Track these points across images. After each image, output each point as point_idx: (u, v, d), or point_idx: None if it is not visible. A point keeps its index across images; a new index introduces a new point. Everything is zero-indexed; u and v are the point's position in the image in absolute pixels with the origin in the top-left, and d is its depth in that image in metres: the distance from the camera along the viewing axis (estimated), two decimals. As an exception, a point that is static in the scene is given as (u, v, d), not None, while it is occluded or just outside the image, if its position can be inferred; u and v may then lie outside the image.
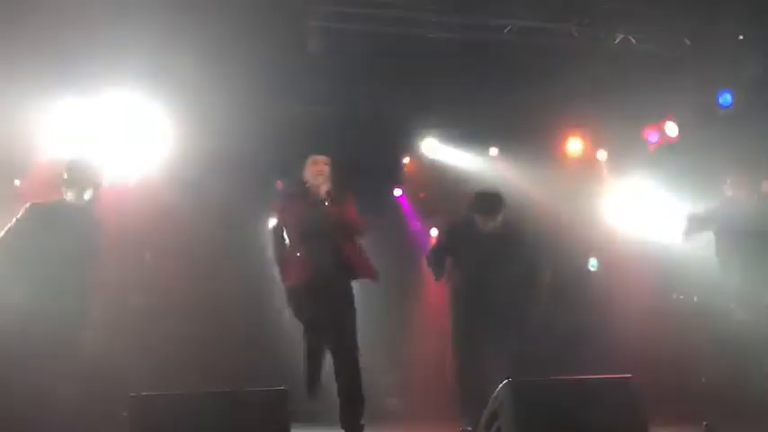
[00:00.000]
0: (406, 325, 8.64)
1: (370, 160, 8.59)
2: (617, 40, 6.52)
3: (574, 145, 8.19)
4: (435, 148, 8.25)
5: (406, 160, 8.72)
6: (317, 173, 4.26)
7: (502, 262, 4.81)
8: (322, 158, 4.33)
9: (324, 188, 4.21)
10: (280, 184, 5.92)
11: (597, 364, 7.31)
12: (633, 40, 6.52)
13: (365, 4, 6.01)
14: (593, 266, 4.34)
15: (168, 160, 7.24)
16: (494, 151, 8.32)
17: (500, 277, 4.75)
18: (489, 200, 5.05)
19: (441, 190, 8.70)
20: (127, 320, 7.25)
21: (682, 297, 7.36)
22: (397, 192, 9.22)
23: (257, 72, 6.59)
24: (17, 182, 6.47)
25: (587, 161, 8.29)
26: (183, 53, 5.99)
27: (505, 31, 6.33)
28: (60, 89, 6.19)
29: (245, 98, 7.01)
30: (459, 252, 4.93)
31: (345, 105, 7.68)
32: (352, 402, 4.05)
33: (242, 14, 5.89)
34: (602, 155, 8.25)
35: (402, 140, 8.44)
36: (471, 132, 8.17)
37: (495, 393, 3.39)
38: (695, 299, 7.22)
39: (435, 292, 8.37)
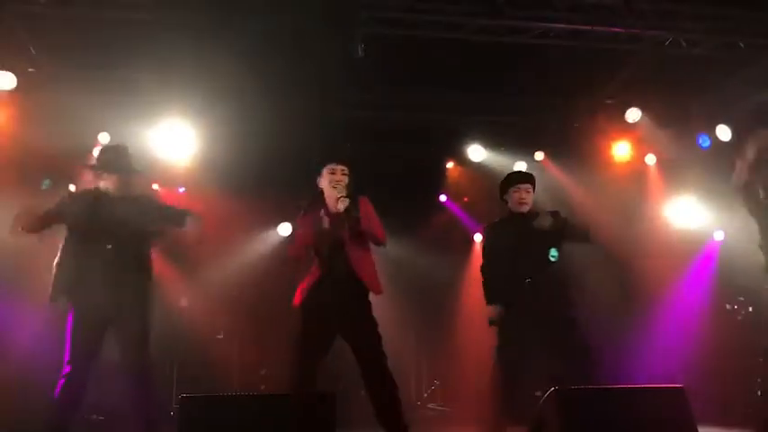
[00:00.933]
0: (451, 328, 8.64)
1: (414, 166, 8.62)
2: (667, 42, 6.38)
3: (622, 148, 8.05)
4: (480, 153, 8.19)
5: (450, 165, 8.69)
6: (335, 182, 4.06)
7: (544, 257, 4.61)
8: (339, 167, 4.11)
9: (342, 200, 3.98)
10: None
11: (645, 373, 7.22)
12: (683, 43, 6.38)
13: (408, 9, 6.01)
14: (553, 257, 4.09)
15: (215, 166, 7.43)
16: (540, 155, 8.24)
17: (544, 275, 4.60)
18: (518, 172, 4.93)
19: (486, 194, 8.66)
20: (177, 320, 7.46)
21: (735, 307, 7.15)
22: (443, 197, 9.22)
23: (301, 78, 6.65)
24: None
25: (635, 165, 8.15)
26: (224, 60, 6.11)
27: (551, 34, 6.25)
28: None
29: (288, 102, 7.08)
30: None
31: (388, 111, 7.71)
32: (390, 406, 3.92)
33: (287, 22, 5.94)
34: (651, 159, 8.10)
35: (446, 145, 8.42)
36: (516, 136, 8.11)
37: (542, 401, 3.36)
38: (750, 309, 7.02)
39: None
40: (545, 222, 4.41)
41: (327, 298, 3.93)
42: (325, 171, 4.10)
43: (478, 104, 7.62)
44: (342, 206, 3.90)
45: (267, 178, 8.00)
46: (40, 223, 4.23)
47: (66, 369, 4.01)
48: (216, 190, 8.11)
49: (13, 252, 6.21)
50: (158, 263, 8.22)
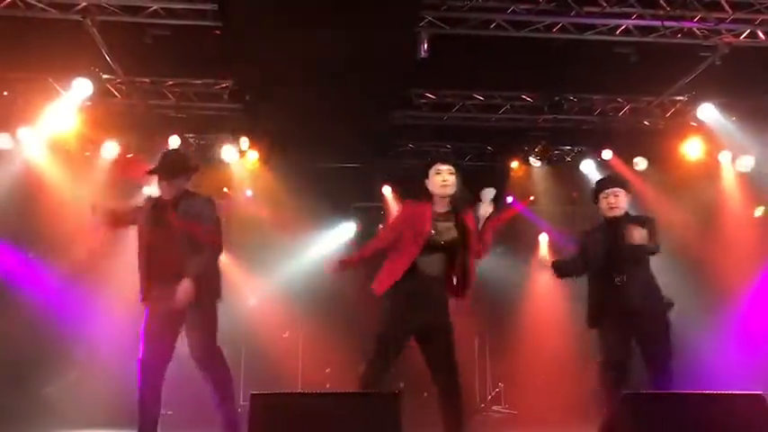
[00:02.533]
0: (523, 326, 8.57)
1: (478, 164, 8.58)
2: (742, 36, 6.16)
3: (693, 146, 7.79)
4: (548, 152, 8.07)
5: (515, 164, 8.58)
6: (443, 183, 4.05)
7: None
8: (446, 167, 4.09)
9: (447, 203, 4.03)
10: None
11: (722, 377, 6.98)
12: (762, 35, 6.13)
13: (473, 8, 5.98)
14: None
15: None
16: (607, 154, 8.06)
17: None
18: (606, 177, 4.87)
19: (552, 195, 8.55)
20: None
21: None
22: (509, 198, 9.11)
23: (364, 79, 6.69)
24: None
25: (708, 163, 7.88)
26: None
27: (617, 31, 6.11)
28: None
29: (351, 103, 7.13)
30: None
31: (452, 110, 7.68)
32: (458, 419, 3.96)
33: (348, 23, 5.98)
34: (724, 156, 7.82)
35: (511, 145, 8.34)
36: (584, 135, 7.96)
37: (615, 404, 3.29)
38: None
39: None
40: (635, 236, 4.35)
41: (414, 298, 3.97)
42: (431, 172, 4.11)
43: (544, 103, 7.49)
44: (448, 201, 3.99)
45: (332, 179, 8.11)
46: (112, 219, 4.31)
47: (140, 364, 4.14)
48: (282, 191, 8.27)
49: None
50: (228, 262, 8.51)
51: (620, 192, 4.66)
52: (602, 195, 4.67)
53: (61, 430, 5.66)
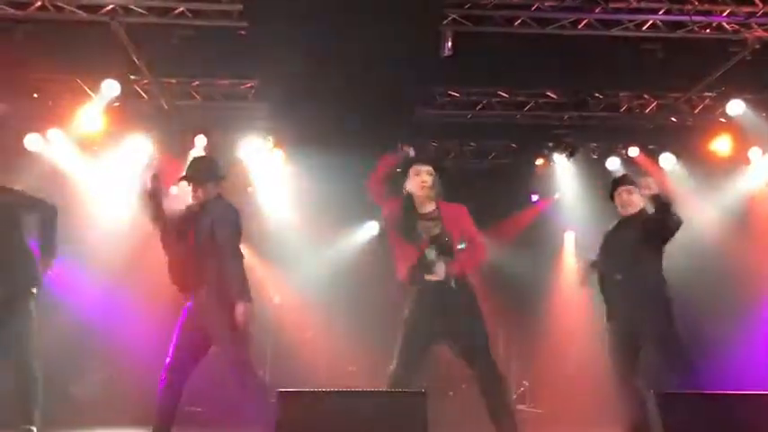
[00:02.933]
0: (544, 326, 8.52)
1: (502, 162, 8.54)
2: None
3: (722, 143, 7.66)
4: (570, 148, 8.00)
5: (539, 162, 8.53)
6: (421, 184, 4.02)
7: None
8: (425, 168, 4.05)
9: (430, 203, 4.00)
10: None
11: (750, 377, 6.88)
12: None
13: (497, 6, 5.96)
14: None
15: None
16: (634, 151, 7.97)
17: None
18: (620, 176, 4.85)
19: (577, 192, 8.48)
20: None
21: None
22: (534, 196, 9.07)
23: (388, 77, 6.70)
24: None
25: (737, 160, 7.76)
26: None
27: (644, 27, 6.05)
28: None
29: (375, 102, 7.14)
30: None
31: (476, 108, 7.65)
32: (506, 409, 3.96)
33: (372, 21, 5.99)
34: (754, 153, 7.69)
35: (536, 142, 8.29)
36: (610, 131, 7.88)
37: (643, 404, 3.26)
38: None
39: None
40: (651, 185, 4.34)
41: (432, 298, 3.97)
42: (411, 172, 4.09)
43: (570, 100, 7.44)
44: (430, 203, 3.94)
45: (356, 177, 8.10)
46: (154, 211, 4.25)
47: (168, 363, 4.20)
48: (306, 188, 8.32)
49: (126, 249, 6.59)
50: (253, 260, 8.58)
51: (634, 189, 4.62)
52: (615, 193, 4.66)
53: (89, 429, 5.74)
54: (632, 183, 4.67)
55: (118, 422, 5.78)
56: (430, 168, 4.06)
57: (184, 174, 4.33)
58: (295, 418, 3.11)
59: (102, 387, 7.08)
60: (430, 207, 4.04)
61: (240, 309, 3.97)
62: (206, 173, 4.31)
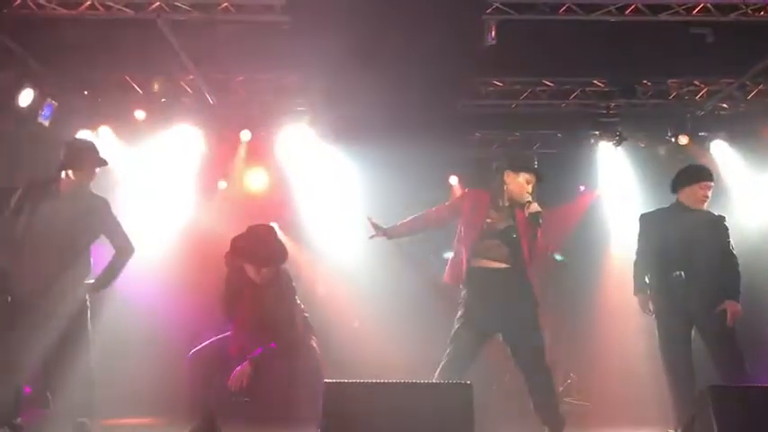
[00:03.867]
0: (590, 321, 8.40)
1: (547, 152, 8.42)
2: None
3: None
4: (617, 136, 7.85)
5: (587, 151, 8.37)
6: (526, 186, 4.17)
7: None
8: (529, 176, 4.19)
9: (532, 205, 4.11)
10: None
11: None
12: None
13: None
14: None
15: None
16: (684, 139, 7.77)
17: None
18: (700, 166, 4.74)
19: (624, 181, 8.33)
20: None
21: None
22: (581, 187, 8.92)
23: (431, 68, 6.65)
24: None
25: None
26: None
27: (694, 11, 5.87)
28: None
29: (417, 92, 7.10)
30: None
31: (521, 98, 7.56)
32: (558, 427, 3.96)
33: (417, 13, 5.95)
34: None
35: (580, 131, 8.15)
36: (659, 118, 7.70)
37: (696, 398, 3.19)
38: None
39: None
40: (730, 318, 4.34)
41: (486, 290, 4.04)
42: (511, 174, 4.20)
43: (617, 88, 7.28)
44: (533, 209, 4.03)
45: (400, 170, 8.11)
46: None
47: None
48: (351, 181, 8.35)
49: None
50: (293, 249, 8.66)
51: (712, 186, 4.55)
52: (698, 185, 4.54)
53: (115, 418, 5.86)
54: (714, 180, 4.60)
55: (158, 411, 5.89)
56: (533, 177, 4.18)
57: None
58: (341, 409, 3.14)
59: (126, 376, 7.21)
60: (507, 203, 4.19)
61: None
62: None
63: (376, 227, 4.33)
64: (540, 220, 4.01)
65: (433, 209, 4.39)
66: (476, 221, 4.10)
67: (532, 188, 4.15)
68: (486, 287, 4.03)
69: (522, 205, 4.07)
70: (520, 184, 4.13)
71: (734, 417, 3.00)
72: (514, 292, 4.03)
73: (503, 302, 4.00)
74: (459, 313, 4.09)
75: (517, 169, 4.17)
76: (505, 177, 4.17)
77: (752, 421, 2.99)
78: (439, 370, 4.01)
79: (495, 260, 4.06)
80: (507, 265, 4.04)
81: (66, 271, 4.20)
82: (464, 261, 4.08)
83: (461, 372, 4.02)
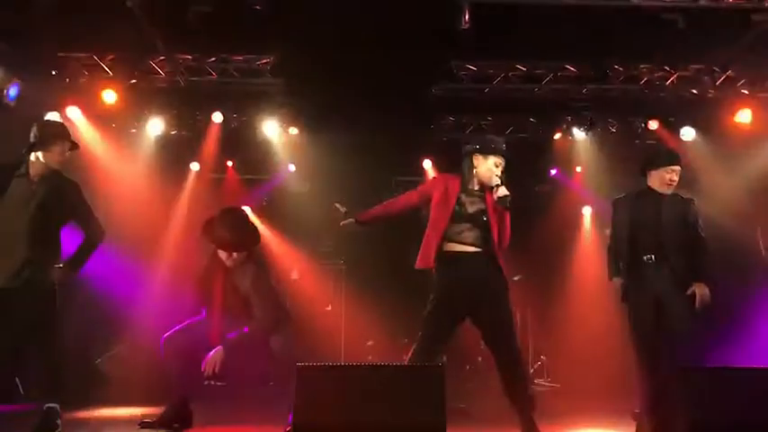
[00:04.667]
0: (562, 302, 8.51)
1: (520, 137, 8.47)
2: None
3: (744, 116, 7.49)
4: (589, 121, 7.93)
5: (557, 136, 8.45)
6: (493, 169, 4.14)
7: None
8: (498, 159, 4.16)
9: (501, 188, 4.09)
10: None
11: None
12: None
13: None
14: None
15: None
16: (654, 124, 7.88)
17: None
18: (668, 150, 4.80)
19: (597, 166, 8.41)
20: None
21: None
22: (553, 171, 8.99)
23: (403, 53, 6.63)
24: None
25: (759, 133, 7.62)
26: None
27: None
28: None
29: (389, 76, 7.07)
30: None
31: (495, 82, 7.58)
32: (528, 409, 4.01)
33: None
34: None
35: (554, 116, 8.21)
36: (630, 103, 7.77)
37: (662, 379, 3.26)
38: None
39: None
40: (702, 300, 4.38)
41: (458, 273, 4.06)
42: (479, 157, 4.19)
43: (589, 73, 7.33)
44: (501, 193, 4.02)
45: (373, 153, 8.11)
46: None
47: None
48: (323, 165, 8.33)
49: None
50: (270, 235, 8.63)
51: (680, 170, 4.60)
52: (664, 169, 4.60)
53: (110, 407, 5.83)
54: (681, 163, 4.64)
55: (138, 399, 5.84)
56: (502, 160, 4.17)
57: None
58: (314, 392, 3.15)
59: (123, 361, 7.19)
60: (478, 186, 4.18)
61: None
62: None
63: (345, 214, 4.31)
64: (509, 204, 4.04)
65: (403, 195, 4.39)
66: (446, 206, 4.11)
67: (502, 171, 4.16)
68: (457, 270, 4.06)
69: (492, 189, 4.09)
70: (489, 167, 4.14)
71: (700, 397, 3.06)
72: (485, 276, 4.06)
73: (474, 286, 4.03)
74: (431, 297, 4.11)
75: (486, 152, 4.17)
76: (474, 161, 4.19)
77: (718, 401, 3.05)
78: (411, 353, 4.04)
79: (465, 244, 4.08)
80: (478, 249, 4.07)
81: (35, 255, 4.13)
82: (435, 245, 4.10)
83: (434, 354, 4.05)
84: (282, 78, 7.32)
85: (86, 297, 6.33)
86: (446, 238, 4.10)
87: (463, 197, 4.14)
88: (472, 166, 4.18)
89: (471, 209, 4.11)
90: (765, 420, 3.01)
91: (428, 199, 4.24)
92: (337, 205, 4.34)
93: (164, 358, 4.35)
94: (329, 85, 7.11)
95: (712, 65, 7.29)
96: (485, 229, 4.08)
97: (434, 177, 4.41)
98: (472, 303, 4.04)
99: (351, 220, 4.30)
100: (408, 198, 4.31)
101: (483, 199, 4.14)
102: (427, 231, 4.15)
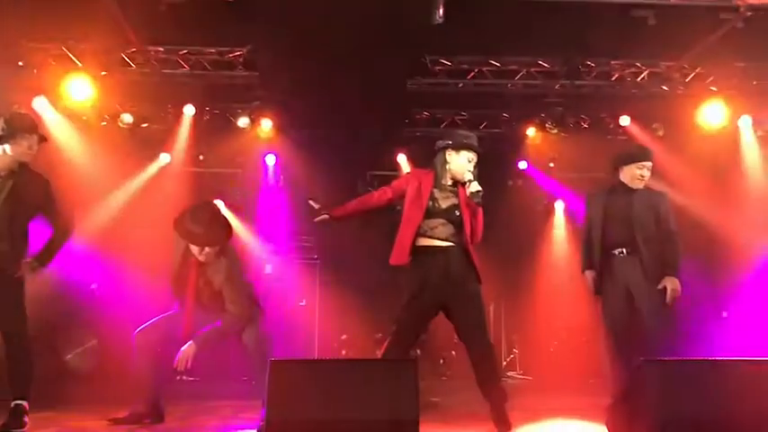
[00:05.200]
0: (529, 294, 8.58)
1: (493, 132, 8.51)
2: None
3: (712, 112, 7.61)
4: (561, 117, 8.00)
5: (531, 131, 8.50)
6: (467, 165, 4.16)
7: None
8: (471, 155, 4.19)
9: (473, 183, 4.12)
10: None
11: (736, 343, 6.98)
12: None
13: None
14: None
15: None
16: (625, 120, 7.97)
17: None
18: (639, 146, 4.87)
19: (568, 161, 8.49)
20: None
21: None
22: (522, 163, 9.04)
23: (380, 43, 6.62)
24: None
25: (728, 128, 7.74)
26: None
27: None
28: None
29: (366, 69, 7.05)
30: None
31: (469, 77, 7.60)
32: (500, 401, 4.05)
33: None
34: (744, 121, 7.67)
35: (526, 110, 8.25)
36: (602, 99, 7.85)
37: (631, 372, 3.30)
38: None
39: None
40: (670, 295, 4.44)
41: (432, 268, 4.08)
42: (452, 152, 4.21)
43: (561, 69, 7.38)
44: (473, 188, 4.04)
45: (348, 147, 8.10)
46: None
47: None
48: (297, 159, 8.29)
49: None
50: (243, 230, 8.57)
51: (651, 166, 4.67)
52: (635, 165, 4.66)
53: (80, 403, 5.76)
54: (652, 159, 4.70)
55: (109, 395, 5.78)
56: (474, 155, 4.20)
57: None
58: (287, 386, 3.14)
59: (92, 356, 7.11)
60: (450, 181, 4.21)
61: None
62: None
63: (319, 209, 4.30)
64: (480, 199, 4.07)
65: (378, 190, 4.39)
66: (419, 201, 4.13)
67: (474, 167, 4.18)
68: (430, 265, 4.08)
69: (464, 184, 4.11)
70: (461, 163, 4.17)
71: (669, 390, 3.10)
72: (458, 270, 4.09)
73: (447, 280, 4.05)
74: (406, 292, 4.12)
75: (459, 148, 4.20)
76: (447, 156, 4.21)
77: (686, 393, 3.09)
78: (385, 346, 4.05)
79: (439, 239, 4.11)
80: (451, 244, 4.10)
81: (2, 249, 4.06)
82: (409, 241, 4.12)
83: (407, 348, 4.08)
84: (255, 71, 7.27)
85: (56, 292, 6.23)
86: (420, 233, 4.11)
87: (436, 192, 4.16)
88: (445, 162, 4.20)
89: (444, 204, 4.14)
90: (733, 412, 3.06)
91: (402, 194, 4.25)
92: (311, 202, 4.32)
93: (136, 353, 4.30)
94: (302, 78, 7.08)
95: (682, 62, 7.39)
96: (458, 224, 4.11)
97: (408, 173, 4.41)
98: (445, 297, 4.07)
99: (325, 216, 4.28)
100: (382, 194, 4.32)
101: (456, 194, 4.16)
102: (401, 227, 4.17)
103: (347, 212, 4.32)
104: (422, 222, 4.10)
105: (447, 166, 4.20)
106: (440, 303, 4.10)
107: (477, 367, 4.04)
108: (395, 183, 4.36)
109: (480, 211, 4.13)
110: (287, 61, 6.92)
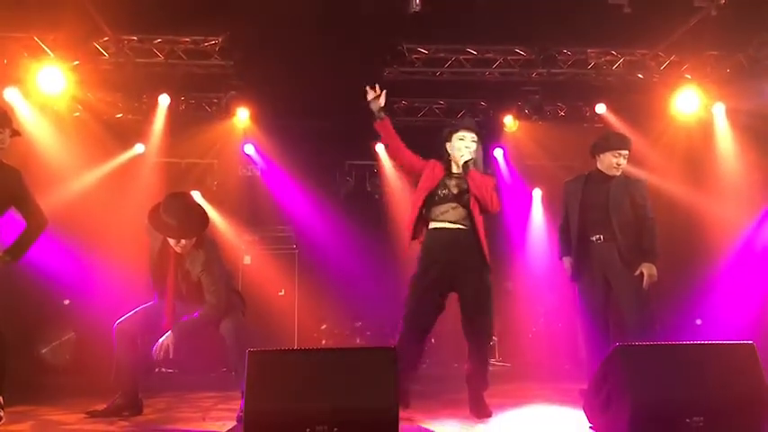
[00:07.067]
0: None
1: (478, 120, 8.50)
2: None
3: (686, 99, 7.66)
4: (537, 105, 8.03)
5: (508, 119, 8.52)
6: (464, 146, 4.31)
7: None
8: (470, 135, 4.35)
9: (459, 166, 4.30)
10: None
11: (711, 327, 7.08)
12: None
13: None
14: None
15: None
16: (601, 107, 8.03)
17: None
18: (622, 136, 4.92)
19: (547, 149, 8.54)
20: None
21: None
22: (498, 150, 9.06)
23: (354, 34, 6.59)
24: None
25: (701, 115, 7.81)
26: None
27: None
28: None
29: (341, 59, 7.02)
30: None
31: (446, 66, 7.59)
32: (479, 390, 4.12)
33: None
34: (718, 109, 7.75)
35: (503, 99, 8.27)
36: (578, 87, 7.88)
37: (606, 357, 3.34)
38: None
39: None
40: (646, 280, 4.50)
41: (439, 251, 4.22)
42: (454, 137, 4.36)
43: (538, 57, 7.39)
44: (462, 161, 4.24)
45: (325, 136, 8.06)
46: None
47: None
48: (274, 148, 8.25)
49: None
50: (221, 220, 8.51)
51: (628, 154, 4.71)
52: (612, 153, 4.70)
53: (62, 395, 5.71)
54: (629, 147, 4.74)
55: (86, 388, 5.73)
56: (474, 135, 4.34)
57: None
58: (265, 376, 3.13)
59: (69, 349, 7.05)
60: (458, 169, 4.34)
61: None
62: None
63: (377, 96, 4.37)
64: (476, 167, 4.25)
65: (414, 155, 4.46)
66: (431, 187, 4.28)
67: (472, 142, 4.31)
68: (436, 245, 4.21)
69: (465, 164, 4.25)
70: (456, 146, 4.33)
71: (643, 375, 3.14)
72: (464, 250, 4.18)
73: (452, 258, 4.15)
74: (416, 274, 4.22)
75: (450, 134, 4.37)
76: (447, 146, 4.36)
77: (661, 379, 3.13)
78: (401, 330, 4.16)
79: (449, 221, 4.21)
80: (461, 226, 4.20)
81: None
82: (422, 223, 4.29)
83: (424, 330, 4.20)
84: (231, 60, 7.19)
85: (30, 286, 6.15)
86: (432, 218, 4.27)
87: (447, 180, 4.31)
88: (446, 151, 4.32)
89: (455, 190, 4.27)
90: (707, 395, 3.11)
91: (419, 171, 4.39)
92: (368, 88, 4.44)
93: (115, 344, 4.26)
94: (279, 67, 7.02)
95: (657, 50, 7.44)
96: (467, 207, 4.22)
97: (431, 160, 4.47)
98: (452, 276, 4.17)
99: (381, 103, 4.37)
100: (414, 156, 4.39)
101: (465, 180, 4.26)
102: (412, 210, 4.32)
103: (389, 130, 4.36)
104: (434, 207, 4.27)
105: (448, 154, 4.33)
106: (447, 283, 4.17)
107: (472, 346, 4.14)
108: (422, 161, 4.42)
109: (489, 180, 4.29)
110: (262, 50, 6.86)
